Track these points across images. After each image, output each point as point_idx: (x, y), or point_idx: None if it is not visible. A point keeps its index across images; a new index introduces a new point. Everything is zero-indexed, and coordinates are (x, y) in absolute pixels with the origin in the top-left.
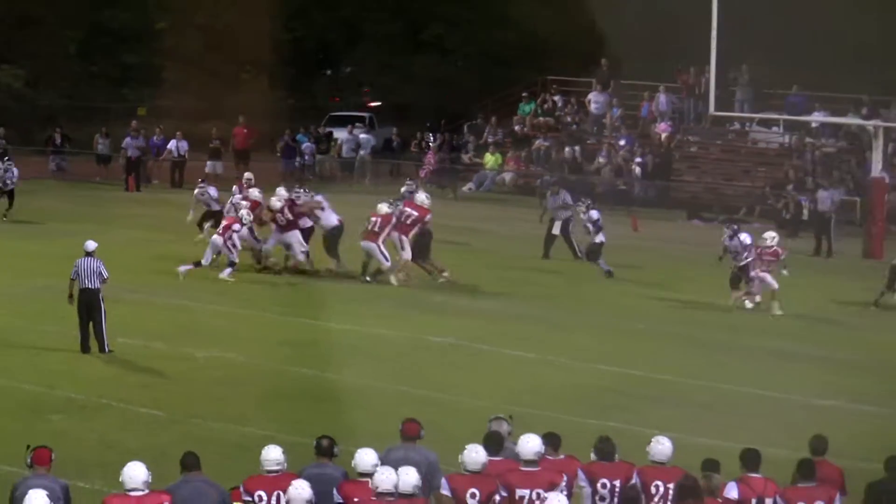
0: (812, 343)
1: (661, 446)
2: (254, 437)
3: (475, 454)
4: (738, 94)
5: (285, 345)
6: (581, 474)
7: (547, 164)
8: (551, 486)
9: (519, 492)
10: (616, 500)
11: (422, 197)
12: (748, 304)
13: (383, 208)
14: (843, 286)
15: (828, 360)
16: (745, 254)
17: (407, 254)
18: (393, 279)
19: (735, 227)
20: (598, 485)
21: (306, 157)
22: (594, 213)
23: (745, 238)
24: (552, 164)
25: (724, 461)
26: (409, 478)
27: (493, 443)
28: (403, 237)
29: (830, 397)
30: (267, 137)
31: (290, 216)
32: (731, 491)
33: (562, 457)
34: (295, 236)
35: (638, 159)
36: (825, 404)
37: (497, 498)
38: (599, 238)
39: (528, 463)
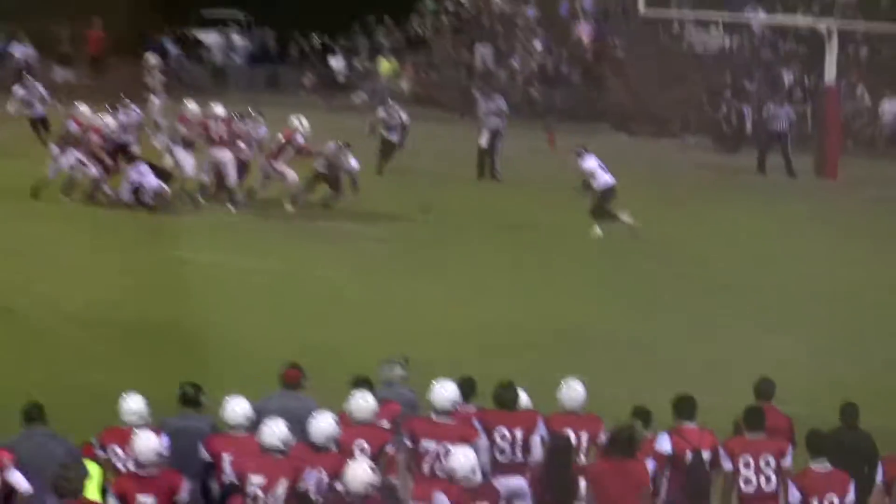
0: (754, 275)
1: (573, 392)
2: (109, 384)
3: (363, 402)
4: None
5: (147, 280)
6: (476, 423)
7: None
8: (462, 441)
9: (425, 443)
10: (518, 452)
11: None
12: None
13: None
14: (790, 208)
15: (776, 293)
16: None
17: (290, 178)
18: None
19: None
20: (497, 435)
21: (170, 64)
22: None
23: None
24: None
25: (656, 411)
26: (279, 430)
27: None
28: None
29: (777, 336)
30: (126, 41)
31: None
32: (663, 443)
33: (472, 408)
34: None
35: (554, 65)
36: (770, 345)
37: (389, 449)
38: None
39: (441, 413)
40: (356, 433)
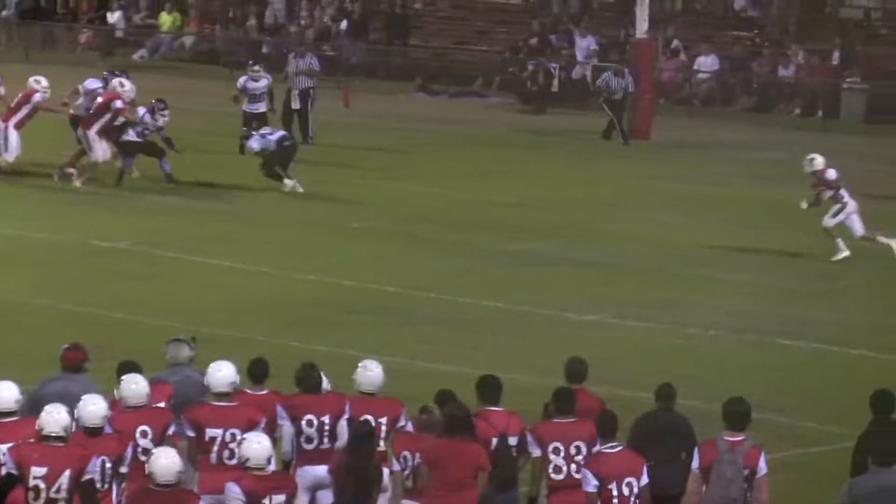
0: (563, 243)
1: (370, 373)
2: None
3: (135, 385)
4: None
5: None
6: (280, 410)
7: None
8: (250, 426)
9: (210, 431)
10: (325, 439)
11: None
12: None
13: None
14: (604, 169)
15: (584, 263)
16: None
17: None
18: (77, 181)
19: None
20: (303, 422)
21: None
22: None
23: None
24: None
25: (460, 391)
26: (60, 416)
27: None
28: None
29: (589, 311)
30: None
31: None
32: None
33: (265, 391)
34: None
35: (346, 21)
36: (583, 319)
37: (170, 431)
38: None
39: (221, 396)
40: (136, 418)
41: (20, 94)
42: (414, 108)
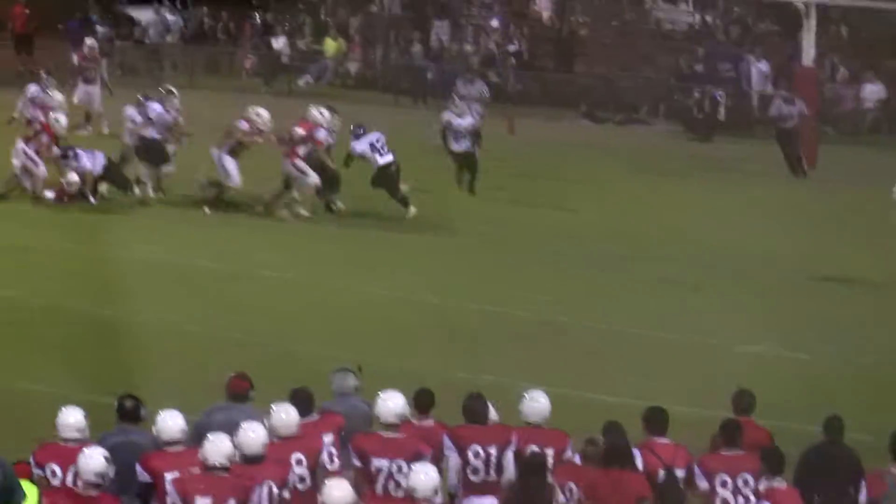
0: (731, 275)
1: (537, 404)
2: (42, 396)
3: (285, 415)
4: None
5: (77, 279)
6: (447, 440)
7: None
8: (417, 457)
9: (376, 462)
10: (491, 470)
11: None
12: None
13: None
14: (764, 196)
15: (751, 293)
16: None
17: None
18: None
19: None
20: (470, 453)
21: (90, 44)
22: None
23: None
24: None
25: (626, 423)
26: (223, 446)
27: (301, 403)
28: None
29: (755, 341)
30: (54, 18)
31: None
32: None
33: (430, 422)
34: None
35: (513, 45)
36: (749, 350)
37: (325, 456)
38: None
39: (389, 427)
40: (289, 447)
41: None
42: (578, 135)
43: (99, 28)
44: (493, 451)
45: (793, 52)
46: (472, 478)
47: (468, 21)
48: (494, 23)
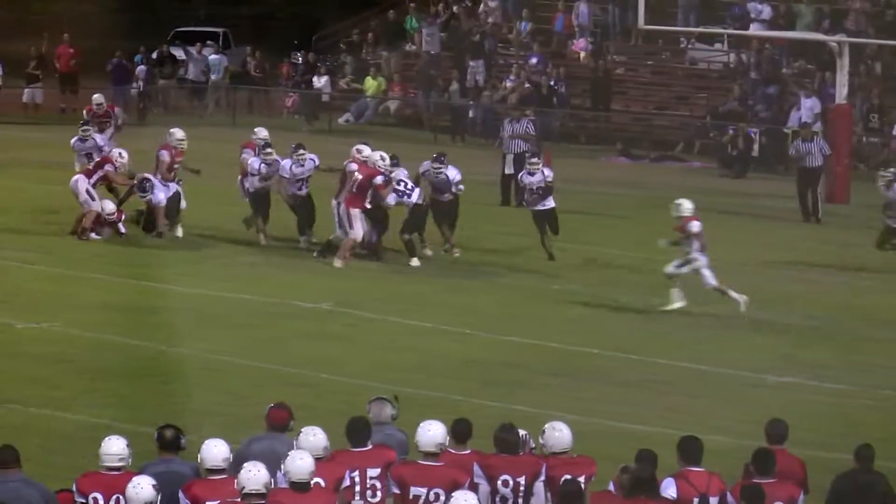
0: (761, 307)
1: (560, 433)
2: (85, 425)
3: (312, 437)
4: (680, 1)
5: (122, 313)
6: (477, 469)
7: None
8: (454, 486)
9: (414, 490)
10: (520, 499)
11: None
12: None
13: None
14: (797, 235)
15: (781, 327)
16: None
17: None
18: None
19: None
20: (499, 482)
21: (140, 83)
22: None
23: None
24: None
25: (660, 451)
26: (259, 473)
27: (358, 432)
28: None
29: (786, 373)
30: (98, 57)
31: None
32: (669, 488)
33: (468, 451)
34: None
35: (551, 83)
36: (780, 381)
37: (347, 482)
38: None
39: (428, 456)
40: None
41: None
42: (615, 173)
43: (139, 68)
44: (521, 480)
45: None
46: None
47: (506, 60)
48: (533, 61)
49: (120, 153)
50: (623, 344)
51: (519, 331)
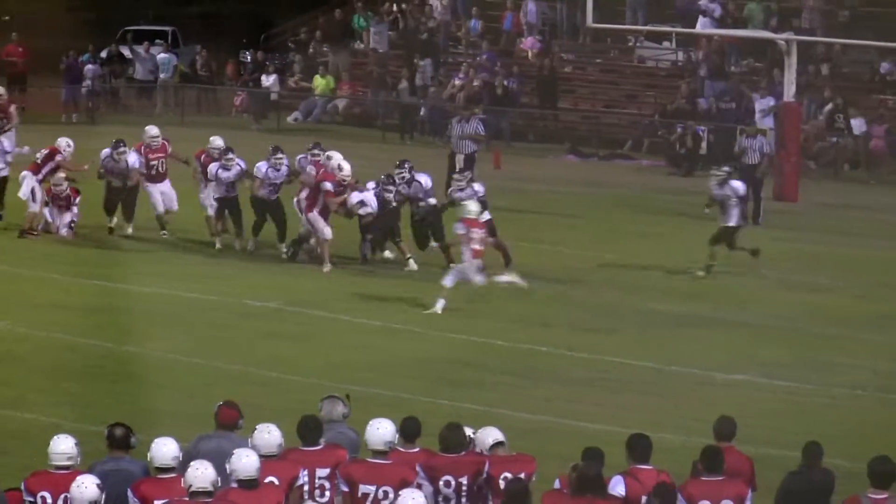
0: (712, 305)
1: (496, 432)
2: (35, 424)
3: (266, 434)
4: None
5: (75, 312)
6: (419, 470)
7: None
8: (403, 484)
9: (363, 488)
10: (463, 499)
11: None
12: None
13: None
14: (746, 233)
15: (732, 324)
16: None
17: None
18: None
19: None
20: (441, 483)
21: (89, 82)
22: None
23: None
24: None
25: (609, 450)
26: (206, 472)
27: (309, 431)
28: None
29: (738, 371)
30: (48, 57)
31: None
32: (617, 486)
33: (416, 449)
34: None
35: (506, 81)
36: (731, 379)
37: (301, 483)
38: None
39: (377, 454)
40: (266, 469)
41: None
42: (564, 171)
43: (89, 67)
44: (463, 480)
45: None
46: None
47: (454, 59)
48: (481, 60)
49: (67, 143)
50: (573, 342)
51: (468, 329)
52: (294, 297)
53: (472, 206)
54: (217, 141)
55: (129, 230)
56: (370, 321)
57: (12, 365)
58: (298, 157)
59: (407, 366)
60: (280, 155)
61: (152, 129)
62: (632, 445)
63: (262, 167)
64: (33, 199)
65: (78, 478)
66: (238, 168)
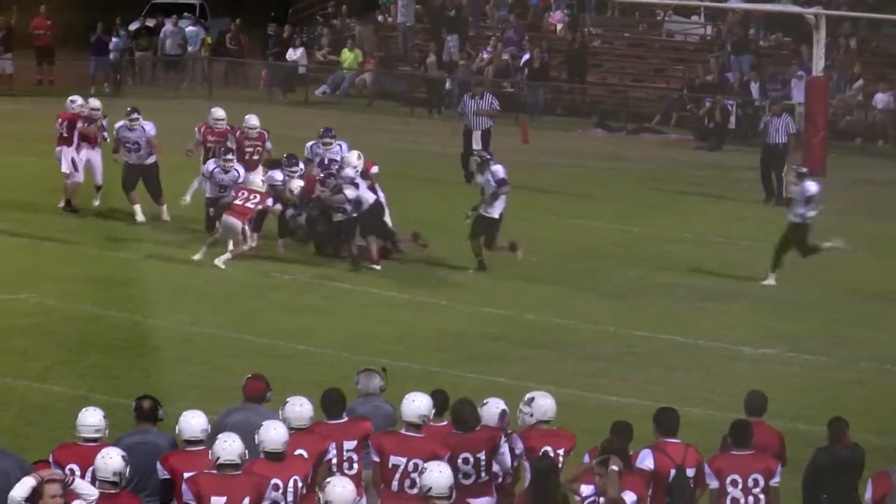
0: (740, 280)
1: (547, 402)
2: (63, 397)
3: (298, 407)
4: None
5: (100, 285)
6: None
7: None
8: (432, 458)
9: (393, 459)
10: (483, 473)
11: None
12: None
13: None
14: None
15: (760, 299)
16: None
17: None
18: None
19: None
20: (459, 460)
21: (116, 55)
22: (810, 185)
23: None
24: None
25: (637, 423)
26: (234, 444)
27: (333, 403)
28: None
29: (765, 345)
30: (76, 30)
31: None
32: (645, 460)
33: (445, 422)
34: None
35: (526, 55)
36: (759, 353)
37: (330, 457)
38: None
39: (410, 426)
40: (294, 441)
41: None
42: (591, 146)
43: (114, 40)
44: (481, 456)
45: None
46: (465, 482)
47: (482, 33)
48: (509, 34)
49: (71, 100)
50: (601, 316)
51: (496, 303)
52: (319, 270)
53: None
54: (252, 120)
55: (165, 215)
56: (397, 294)
57: (40, 337)
58: (309, 144)
59: (434, 339)
60: (295, 167)
61: (218, 111)
62: (659, 419)
63: (275, 176)
64: (76, 169)
65: (103, 449)
66: (236, 174)
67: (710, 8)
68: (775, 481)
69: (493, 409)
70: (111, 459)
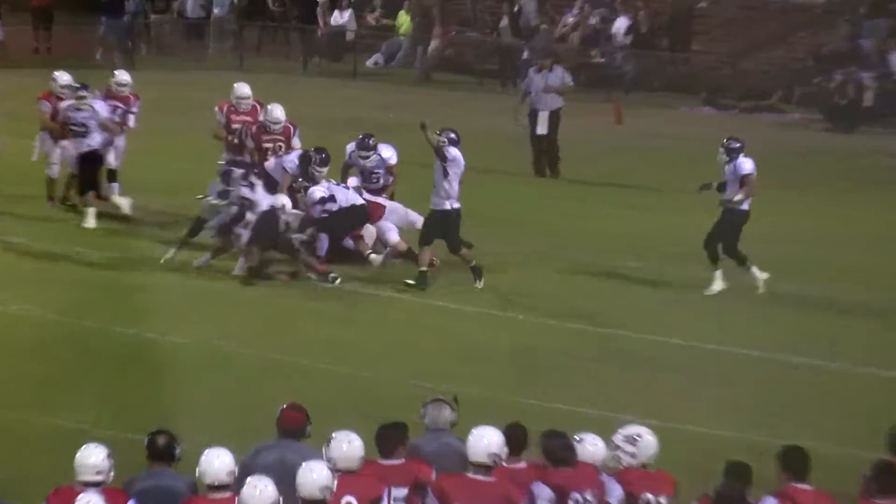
0: (868, 288)
1: (650, 440)
2: (63, 431)
3: (346, 445)
4: None
5: (106, 294)
6: (543, 489)
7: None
8: None
9: None
10: None
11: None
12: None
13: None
14: None
15: (891, 312)
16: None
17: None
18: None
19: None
20: (571, 502)
21: (127, 17)
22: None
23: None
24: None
25: (755, 463)
26: (265, 490)
27: (389, 441)
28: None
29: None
30: None
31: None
32: None
33: (522, 464)
34: None
35: (621, 19)
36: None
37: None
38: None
39: (478, 468)
40: (342, 486)
41: None
42: (698, 126)
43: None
44: (589, 496)
45: None
46: None
47: None
48: None
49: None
50: (703, 330)
51: (580, 316)
52: (364, 277)
53: None
54: (276, 111)
55: (126, 207)
56: (459, 305)
57: (35, 357)
58: (350, 149)
59: (504, 358)
60: (324, 167)
61: (243, 88)
62: (786, 459)
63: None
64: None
65: (81, 495)
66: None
67: None
68: None
69: (589, 447)
70: None
